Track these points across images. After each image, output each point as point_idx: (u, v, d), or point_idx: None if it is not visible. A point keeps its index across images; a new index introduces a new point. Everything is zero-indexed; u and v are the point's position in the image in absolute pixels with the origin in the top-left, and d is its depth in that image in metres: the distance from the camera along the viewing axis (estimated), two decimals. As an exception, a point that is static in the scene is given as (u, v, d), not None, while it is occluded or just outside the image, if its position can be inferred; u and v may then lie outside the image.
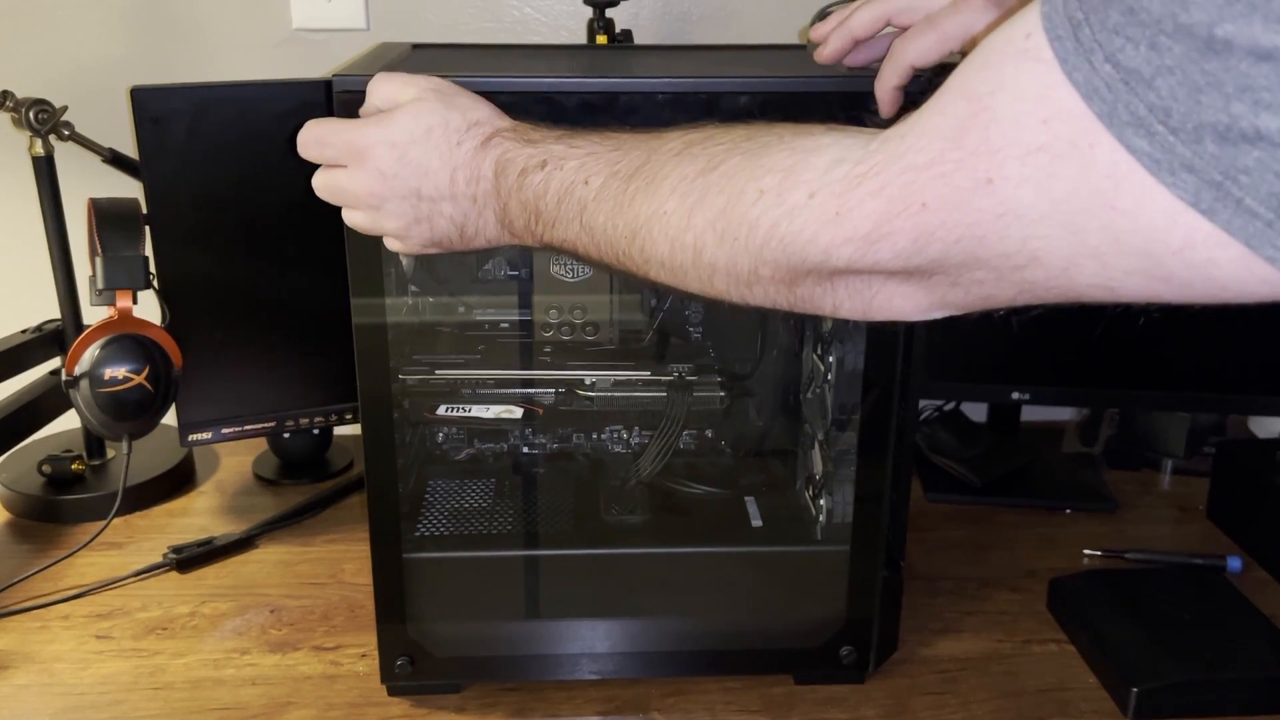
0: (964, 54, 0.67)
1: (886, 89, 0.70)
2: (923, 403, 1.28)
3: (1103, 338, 1.16)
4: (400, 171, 0.66)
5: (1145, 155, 0.38)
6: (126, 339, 1.03)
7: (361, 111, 0.70)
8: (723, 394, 0.96)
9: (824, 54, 0.75)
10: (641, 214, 0.57)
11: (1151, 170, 0.38)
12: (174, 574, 1.04)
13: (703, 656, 0.90)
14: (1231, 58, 0.36)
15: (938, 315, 0.52)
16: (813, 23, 0.78)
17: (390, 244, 0.71)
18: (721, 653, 0.90)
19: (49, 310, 1.16)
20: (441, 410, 0.96)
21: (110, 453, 1.22)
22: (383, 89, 0.69)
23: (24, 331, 1.15)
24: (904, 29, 0.71)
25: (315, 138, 0.69)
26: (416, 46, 0.93)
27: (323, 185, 0.70)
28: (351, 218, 0.70)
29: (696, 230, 0.55)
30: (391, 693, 0.88)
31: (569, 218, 0.61)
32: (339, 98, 0.72)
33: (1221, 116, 0.36)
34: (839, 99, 0.74)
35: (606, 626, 0.89)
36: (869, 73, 0.72)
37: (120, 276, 1.03)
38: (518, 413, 0.96)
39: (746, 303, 0.56)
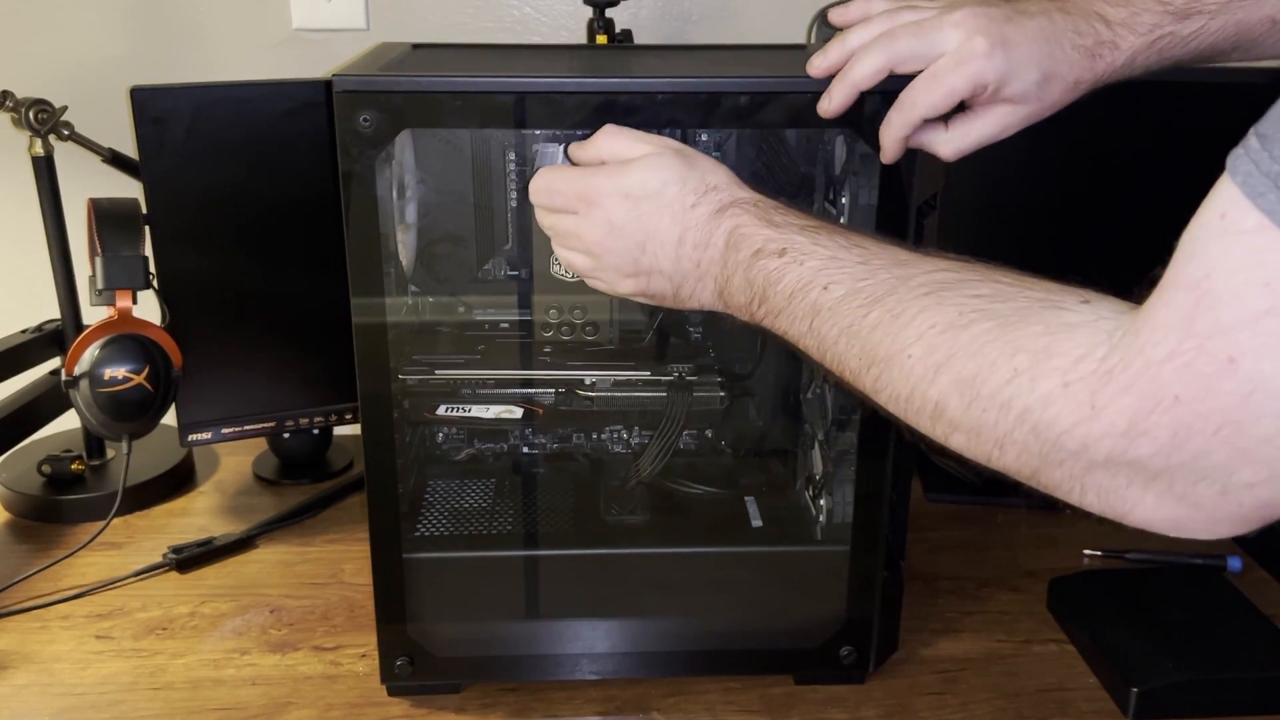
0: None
1: (895, 139, 0.70)
2: (923, 403, 1.28)
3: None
4: (629, 225, 0.67)
5: None
6: (126, 339, 1.02)
7: (582, 158, 0.71)
8: (723, 394, 0.96)
9: (830, 109, 0.71)
10: (881, 348, 0.57)
11: None
12: (174, 574, 1.04)
13: (703, 656, 0.90)
14: None
15: (1217, 534, 0.48)
16: (812, 26, 0.77)
17: (596, 284, 0.72)
18: (721, 653, 0.90)
19: (49, 310, 1.16)
20: (441, 410, 0.96)
21: (110, 453, 1.22)
22: (613, 143, 0.70)
23: (24, 331, 1.15)
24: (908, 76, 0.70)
25: (545, 185, 0.71)
26: (416, 46, 0.93)
27: (550, 226, 0.71)
28: (569, 258, 0.72)
29: (941, 388, 0.54)
30: (391, 693, 0.88)
31: (798, 315, 0.61)
32: (338, 98, 0.72)
33: None
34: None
35: (606, 626, 0.89)
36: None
37: (120, 276, 1.03)
38: (518, 413, 0.96)
39: (989, 464, 0.55)
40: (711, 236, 0.65)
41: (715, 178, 0.67)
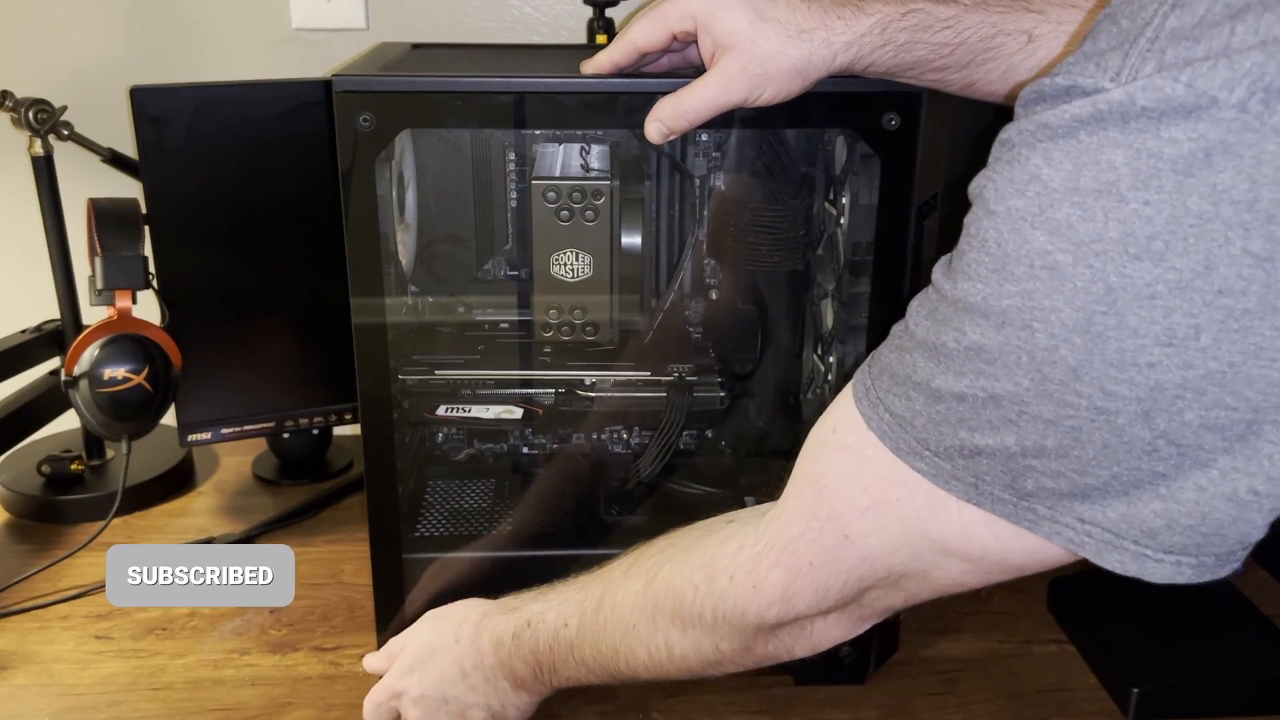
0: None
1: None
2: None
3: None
4: (425, 690, 0.78)
5: (926, 474, 0.52)
6: (126, 339, 1.02)
7: (372, 668, 0.84)
8: (723, 394, 0.96)
9: (600, 64, 0.74)
10: (616, 634, 0.69)
11: (935, 483, 0.51)
12: (174, 574, 1.04)
13: (703, 657, 0.90)
14: (943, 402, 0.49)
15: (865, 628, 0.63)
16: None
17: None
18: (721, 653, 0.90)
19: (49, 310, 1.16)
20: (441, 410, 0.96)
21: (110, 453, 1.22)
22: (388, 646, 0.83)
23: (24, 331, 1.15)
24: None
25: (371, 708, 0.82)
26: (416, 46, 0.93)
27: None
28: None
29: (663, 630, 0.67)
30: (391, 693, 0.88)
31: (563, 657, 0.73)
32: (338, 98, 0.72)
33: (955, 441, 0.50)
34: (837, 99, 0.74)
35: (606, 627, 0.89)
36: (866, 74, 0.71)
37: (120, 276, 1.03)
38: (518, 413, 0.96)
39: (723, 674, 0.68)
40: (482, 652, 0.77)
41: (460, 611, 0.80)
